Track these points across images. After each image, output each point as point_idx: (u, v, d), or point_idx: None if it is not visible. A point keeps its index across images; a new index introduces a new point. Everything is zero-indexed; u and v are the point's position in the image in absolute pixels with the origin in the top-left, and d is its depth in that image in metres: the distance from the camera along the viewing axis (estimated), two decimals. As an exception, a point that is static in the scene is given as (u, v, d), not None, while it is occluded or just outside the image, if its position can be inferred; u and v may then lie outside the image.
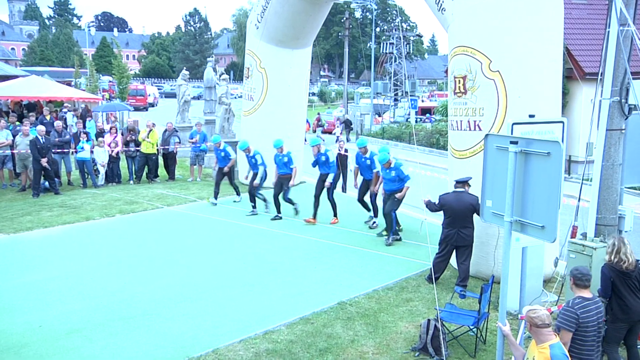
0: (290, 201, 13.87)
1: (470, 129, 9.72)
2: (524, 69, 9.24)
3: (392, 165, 11.60)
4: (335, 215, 13.51)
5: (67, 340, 7.58)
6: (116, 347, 7.42)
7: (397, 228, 12.14)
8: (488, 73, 9.35)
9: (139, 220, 13.75)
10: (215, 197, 15.17)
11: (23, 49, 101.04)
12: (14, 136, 16.68)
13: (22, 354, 7.23)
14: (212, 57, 32.09)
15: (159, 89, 69.11)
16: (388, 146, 13.26)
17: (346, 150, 16.56)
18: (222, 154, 15.23)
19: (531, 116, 6.15)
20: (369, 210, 13.38)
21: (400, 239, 12.23)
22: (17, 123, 19.40)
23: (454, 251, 9.59)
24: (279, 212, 13.85)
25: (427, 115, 39.23)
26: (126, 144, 17.82)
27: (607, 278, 6.41)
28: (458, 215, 9.28)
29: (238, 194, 15.55)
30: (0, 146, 16.30)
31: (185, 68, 27.81)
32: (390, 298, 9.18)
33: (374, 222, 13.16)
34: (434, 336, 7.24)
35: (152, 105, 54.91)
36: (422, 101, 46.47)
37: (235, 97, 34.97)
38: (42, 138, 15.53)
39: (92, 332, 7.84)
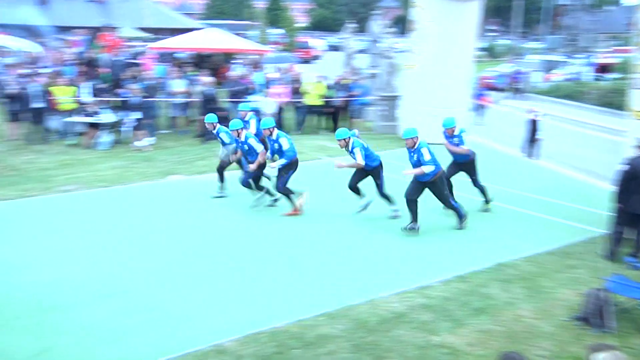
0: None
1: (657, 88, 8.88)
2: None
3: (415, 147, 9.71)
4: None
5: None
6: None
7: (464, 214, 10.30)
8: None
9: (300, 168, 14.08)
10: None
11: (204, 3, 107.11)
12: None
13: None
14: (379, 10, 31.81)
15: (325, 42, 70.07)
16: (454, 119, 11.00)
17: (536, 116, 15.95)
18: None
19: None
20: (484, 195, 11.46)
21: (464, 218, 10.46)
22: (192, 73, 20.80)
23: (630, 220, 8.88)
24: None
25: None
26: (292, 95, 18.44)
27: None
28: None
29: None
30: (177, 93, 17.67)
31: (350, 21, 27.90)
32: (551, 263, 8.82)
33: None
34: (599, 307, 6.88)
35: (317, 58, 55.98)
36: (605, 57, 42.86)
37: (400, 51, 34.55)
38: (209, 88, 17.05)
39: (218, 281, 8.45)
